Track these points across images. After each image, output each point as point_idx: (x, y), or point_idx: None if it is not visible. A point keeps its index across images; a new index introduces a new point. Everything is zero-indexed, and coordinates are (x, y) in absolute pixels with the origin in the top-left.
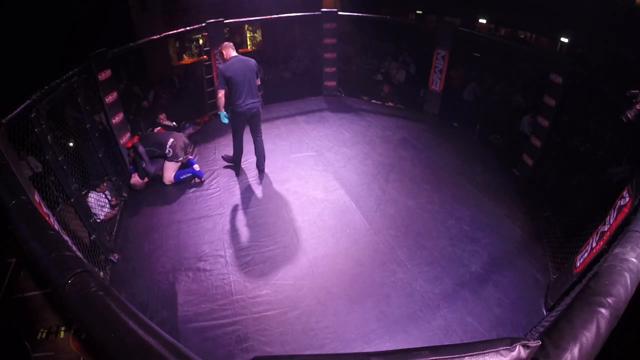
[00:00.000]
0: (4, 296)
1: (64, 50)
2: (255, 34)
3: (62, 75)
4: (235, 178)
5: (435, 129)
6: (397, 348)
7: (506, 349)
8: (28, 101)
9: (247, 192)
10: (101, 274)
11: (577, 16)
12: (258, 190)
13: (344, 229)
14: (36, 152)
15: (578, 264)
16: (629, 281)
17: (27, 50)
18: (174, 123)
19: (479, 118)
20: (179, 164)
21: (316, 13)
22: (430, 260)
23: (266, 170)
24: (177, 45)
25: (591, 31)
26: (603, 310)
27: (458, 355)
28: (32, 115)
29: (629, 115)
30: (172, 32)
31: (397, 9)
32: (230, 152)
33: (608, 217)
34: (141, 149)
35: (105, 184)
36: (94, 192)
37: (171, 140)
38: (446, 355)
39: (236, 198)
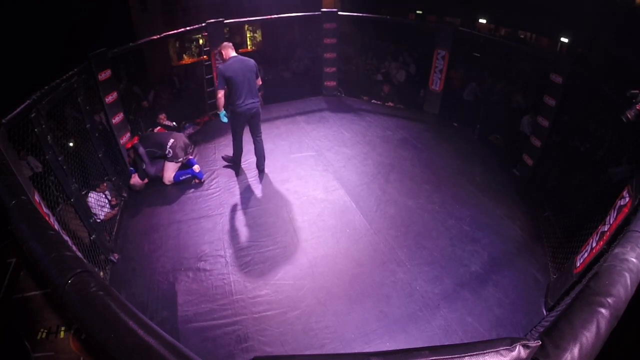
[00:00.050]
0: (4, 296)
1: (64, 50)
2: (255, 34)
3: (62, 75)
4: (235, 178)
5: (435, 129)
6: (397, 348)
7: (506, 349)
8: (28, 101)
9: (247, 192)
10: (101, 274)
11: (577, 16)
12: (258, 190)
13: (344, 229)
14: (36, 152)
15: (578, 264)
16: (629, 281)
17: (27, 50)
18: (174, 123)
19: (479, 118)
20: (179, 164)
21: (316, 13)
22: (430, 260)
23: (266, 170)
24: (177, 45)
25: (591, 31)
26: (603, 310)
27: (458, 355)
28: (32, 115)
29: (629, 115)
30: (172, 32)
31: (397, 9)
32: (230, 152)
33: (608, 217)
34: (141, 150)
35: (105, 184)
36: (94, 192)
37: (171, 140)
38: (446, 355)
39: (236, 198)
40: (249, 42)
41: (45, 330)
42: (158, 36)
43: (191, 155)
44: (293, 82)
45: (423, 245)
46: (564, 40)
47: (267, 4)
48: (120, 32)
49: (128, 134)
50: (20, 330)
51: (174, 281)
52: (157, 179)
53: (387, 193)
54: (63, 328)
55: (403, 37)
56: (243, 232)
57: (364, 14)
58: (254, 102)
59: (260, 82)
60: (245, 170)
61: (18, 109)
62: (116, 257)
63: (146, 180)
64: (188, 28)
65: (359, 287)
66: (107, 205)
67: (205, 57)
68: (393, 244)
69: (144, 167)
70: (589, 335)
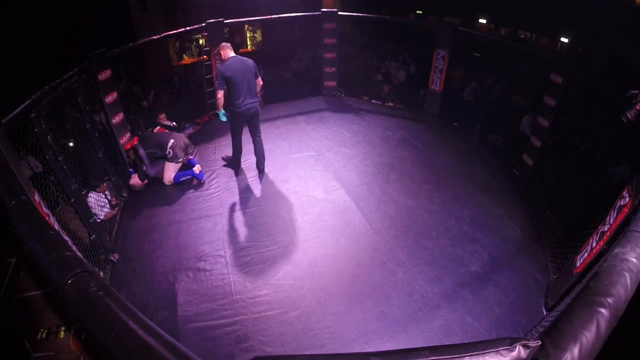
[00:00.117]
0: (4, 296)
1: (64, 50)
2: (255, 34)
3: (62, 75)
4: (235, 178)
5: (435, 129)
6: (397, 348)
7: (506, 349)
8: (28, 101)
9: (247, 192)
10: (101, 274)
11: (577, 16)
12: (258, 190)
13: (344, 229)
14: (36, 152)
15: (578, 264)
16: (629, 281)
17: (27, 50)
18: (174, 123)
19: (479, 118)
20: (180, 164)
21: (316, 13)
22: (430, 260)
23: (266, 170)
24: (177, 45)
25: (591, 31)
26: (603, 310)
27: (458, 355)
28: (32, 115)
29: (629, 115)
30: (172, 32)
31: (397, 9)
32: (230, 152)
33: (608, 217)
34: (142, 152)
35: (105, 184)
36: (94, 192)
37: (172, 141)
38: (446, 355)
39: (236, 198)
40: (249, 42)
41: (45, 330)
42: (158, 36)
43: (191, 156)
44: (293, 82)
45: (423, 245)
46: (564, 40)
47: (267, 4)
48: (120, 32)
49: (128, 134)
50: (20, 330)
51: (174, 281)
52: (157, 179)
53: (387, 193)
54: (63, 328)
55: (403, 37)
56: (243, 232)
57: (364, 14)
58: (253, 102)
59: (261, 83)
60: (245, 170)
61: (18, 109)
62: (116, 257)
63: (146, 181)
64: (188, 28)
65: (359, 287)
66: (107, 205)
67: (205, 57)
68: (393, 244)
69: (144, 168)
70: (589, 335)
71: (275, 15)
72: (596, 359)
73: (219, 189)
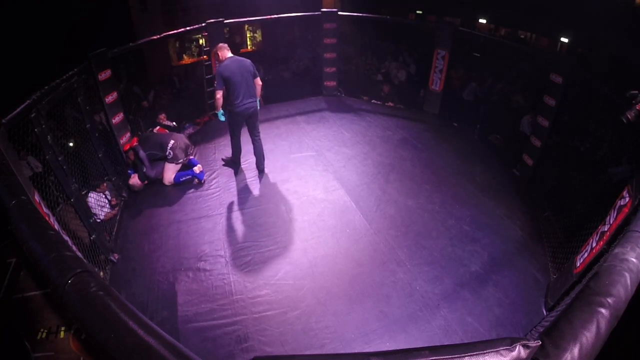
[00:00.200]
0: (4, 296)
1: (64, 50)
2: (255, 34)
3: (62, 75)
4: (235, 178)
5: (435, 129)
6: (397, 348)
7: (506, 349)
8: (28, 101)
9: (247, 192)
10: (101, 274)
11: (577, 16)
12: (258, 190)
13: (344, 229)
14: (36, 152)
15: (578, 264)
16: (629, 281)
17: (27, 50)
18: (174, 123)
19: (479, 118)
20: (180, 165)
21: (316, 13)
22: (430, 260)
23: (266, 170)
24: (177, 45)
25: (591, 31)
26: (603, 310)
27: (458, 355)
28: (32, 115)
29: (628, 115)
30: (172, 32)
31: (397, 9)
32: (230, 152)
33: (608, 217)
34: (142, 153)
35: (105, 184)
36: (94, 192)
37: (172, 142)
38: (446, 355)
39: (236, 198)
40: (249, 42)
41: (45, 330)
42: (158, 36)
43: (192, 156)
44: (293, 82)
45: (423, 245)
46: (564, 40)
47: (267, 4)
48: (120, 32)
49: (128, 134)
50: (20, 330)
51: (174, 281)
52: (157, 180)
53: (387, 193)
54: (63, 328)
55: (403, 37)
56: (243, 232)
57: (364, 14)
58: (251, 102)
59: (261, 83)
60: (245, 170)
61: (18, 109)
62: (116, 257)
63: (146, 182)
64: (188, 28)
65: (359, 287)
66: (107, 205)
67: (205, 57)
68: (393, 244)
69: (145, 170)
70: (589, 335)
71: (275, 15)
72: (596, 359)
73: (219, 189)
